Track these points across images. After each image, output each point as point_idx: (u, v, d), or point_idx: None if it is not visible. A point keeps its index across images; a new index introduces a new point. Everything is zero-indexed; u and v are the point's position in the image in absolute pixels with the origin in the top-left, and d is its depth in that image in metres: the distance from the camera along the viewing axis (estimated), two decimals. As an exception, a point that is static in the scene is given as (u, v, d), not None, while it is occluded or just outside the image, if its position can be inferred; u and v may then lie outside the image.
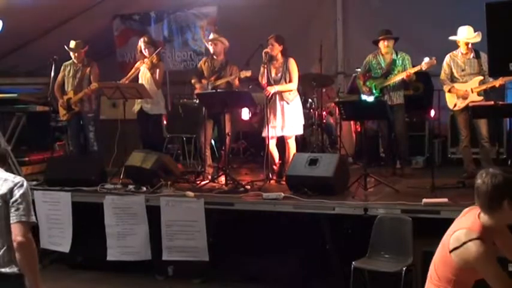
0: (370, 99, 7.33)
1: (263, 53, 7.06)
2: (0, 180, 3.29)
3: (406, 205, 5.51)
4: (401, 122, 7.35)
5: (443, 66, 7.00)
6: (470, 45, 6.83)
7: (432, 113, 8.64)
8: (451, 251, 2.82)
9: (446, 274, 2.88)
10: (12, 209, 3.22)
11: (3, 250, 3.24)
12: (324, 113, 8.47)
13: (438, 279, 2.93)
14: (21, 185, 3.28)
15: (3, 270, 3.24)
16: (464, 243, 2.75)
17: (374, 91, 7.33)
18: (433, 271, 2.97)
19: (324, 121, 8.45)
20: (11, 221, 3.22)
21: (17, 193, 3.25)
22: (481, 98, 6.79)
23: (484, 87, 6.76)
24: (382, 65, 7.32)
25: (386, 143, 7.71)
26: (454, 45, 6.96)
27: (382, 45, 7.24)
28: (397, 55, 7.27)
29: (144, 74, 7.71)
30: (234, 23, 9.14)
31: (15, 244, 3.21)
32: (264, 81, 7.13)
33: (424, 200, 5.49)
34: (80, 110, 7.85)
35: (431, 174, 6.18)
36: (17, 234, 3.21)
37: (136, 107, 7.76)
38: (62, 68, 7.92)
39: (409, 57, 7.25)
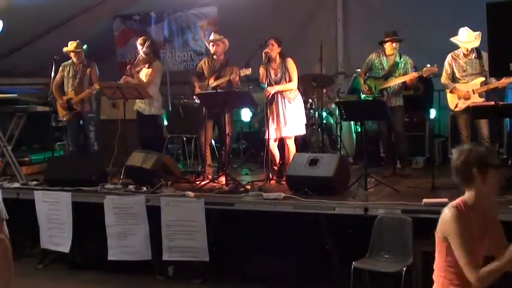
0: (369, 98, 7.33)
1: (263, 54, 7.06)
2: None
3: (407, 205, 5.51)
4: (401, 123, 7.34)
5: (445, 66, 6.98)
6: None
7: (432, 113, 8.66)
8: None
9: (439, 261, 2.97)
10: None
11: None
12: (324, 113, 8.46)
13: (437, 265, 3.01)
14: None
15: None
16: (443, 213, 2.94)
17: (373, 91, 7.32)
18: (435, 266, 3.03)
19: (324, 121, 8.44)
20: None
21: None
22: (483, 99, 6.79)
23: (485, 88, 6.75)
24: (385, 66, 7.29)
25: (387, 144, 7.70)
26: (454, 46, 6.95)
27: (390, 46, 7.19)
28: (400, 58, 7.24)
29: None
30: (234, 23, 9.14)
31: None
32: (264, 81, 7.14)
33: (425, 200, 5.49)
34: (80, 110, 7.87)
35: (432, 174, 6.18)
36: None
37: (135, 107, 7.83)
38: (61, 68, 7.93)
39: (412, 61, 7.22)
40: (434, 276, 3.05)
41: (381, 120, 7.37)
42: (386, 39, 7.20)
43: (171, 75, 9.94)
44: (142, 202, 6.33)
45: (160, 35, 10.09)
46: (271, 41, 7.09)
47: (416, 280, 5.14)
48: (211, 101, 7.21)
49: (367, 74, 7.46)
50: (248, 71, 7.06)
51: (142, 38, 7.92)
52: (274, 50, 7.09)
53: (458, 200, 2.95)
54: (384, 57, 7.30)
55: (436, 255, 3.00)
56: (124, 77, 7.74)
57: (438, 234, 2.94)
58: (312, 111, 8.45)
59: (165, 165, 7.03)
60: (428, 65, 6.83)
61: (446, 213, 2.89)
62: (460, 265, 2.85)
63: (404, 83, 7.16)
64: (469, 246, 2.82)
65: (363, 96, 7.47)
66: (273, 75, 7.15)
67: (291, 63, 7.13)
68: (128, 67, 7.73)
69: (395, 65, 7.23)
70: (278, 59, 7.15)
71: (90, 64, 7.90)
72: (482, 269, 2.79)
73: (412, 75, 7.05)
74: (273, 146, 7.21)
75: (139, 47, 7.77)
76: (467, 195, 2.94)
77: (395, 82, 7.17)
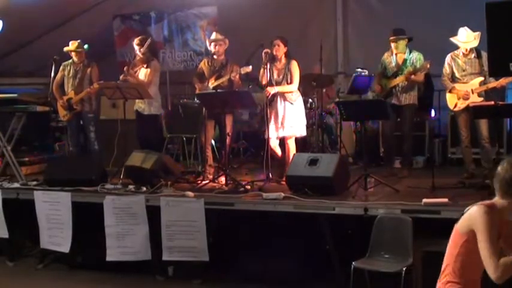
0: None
1: (263, 53, 7.05)
2: None
3: (406, 205, 5.50)
4: (408, 123, 7.29)
5: (444, 66, 7.01)
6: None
7: (432, 113, 8.66)
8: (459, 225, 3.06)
9: (451, 250, 3.06)
10: None
11: None
12: (324, 113, 8.46)
13: (446, 259, 3.09)
14: None
15: None
16: (472, 209, 3.02)
17: (384, 89, 7.29)
18: (444, 258, 3.11)
19: (324, 121, 8.44)
20: None
21: None
22: (481, 99, 6.81)
23: (484, 88, 6.76)
24: (394, 64, 7.27)
25: (388, 143, 7.68)
26: (454, 46, 6.96)
27: (393, 45, 7.19)
28: (410, 54, 7.20)
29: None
30: (234, 23, 9.15)
31: None
32: (264, 81, 7.13)
33: (424, 200, 5.48)
34: (80, 110, 7.87)
35: (432, 174, 6.17)
36: None
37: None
38: (61, 68, 7.94)
39: (421, 56, 7.17)
40: (442, 269, 3.12)
41: (380, 120, 7.35)
42: (389, 38, 7.20)
43: (171, 75, 9.94)
44: (142, 202, 6.33)
45: (160, 34, 10.09)
46: (277, 42, 7.06)
47: (416, 280, 5.13)
48: (211, 102, 7.20)
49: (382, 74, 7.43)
50: (248, 69, 7.06)
51: (138, 38, 7.89)
52: (280, 50, 7.07)
53: (487, 202, 3.04)
54: (394, 56, 7.29)
55: (449, 245, 3.09)
56: (122, 75, 7.73)
57: (462, 228, 3.03)
58: (311, 111, 8.45)
59: (165, 165, 7.03)
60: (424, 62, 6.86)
61: (476, 208, 2.98)
62: (478, 257, 2.92)
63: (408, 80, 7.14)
64: (494, 240, 2.90)
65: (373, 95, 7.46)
66: (275, 75, 7.14)
67: (294, 66, 7.11)
68: (125, 68, 7.73)
69: (404, 63, 7.21)
70: (284, 60, 7.13)
71: (90, 64, 7.90)
72: (501, 259, 2.86)
73: (407, 73, 7.04)
74: (275, 146, 7.20)
75: (136, 47, 7.75)
76: (500, 201, 3.03)
77: (400, 80, 7.15)
